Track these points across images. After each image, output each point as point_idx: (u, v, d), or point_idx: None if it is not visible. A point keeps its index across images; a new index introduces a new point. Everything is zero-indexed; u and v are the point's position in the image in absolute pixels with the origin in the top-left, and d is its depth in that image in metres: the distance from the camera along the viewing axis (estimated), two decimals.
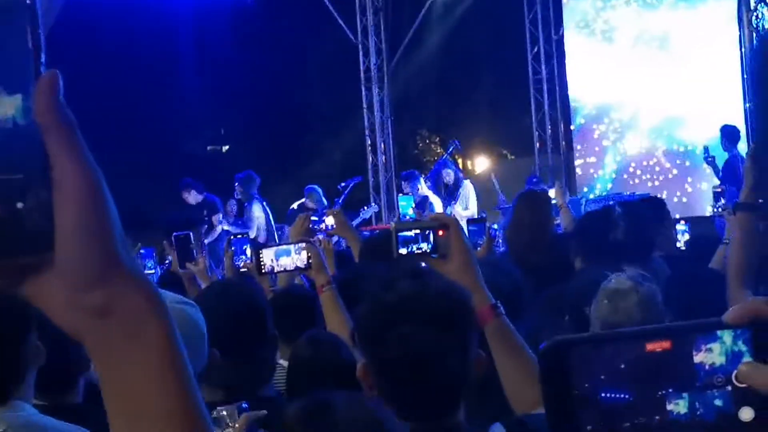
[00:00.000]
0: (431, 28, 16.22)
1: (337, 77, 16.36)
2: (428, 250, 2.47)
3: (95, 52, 13.24)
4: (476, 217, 10.94)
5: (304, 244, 4.07)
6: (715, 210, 7.13)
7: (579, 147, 14.90)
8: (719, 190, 7.44)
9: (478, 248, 5.54)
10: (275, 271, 4.25)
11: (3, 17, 0.72)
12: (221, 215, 11.76)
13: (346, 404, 1.80)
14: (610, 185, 14.47)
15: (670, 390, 0.92)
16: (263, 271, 4.28)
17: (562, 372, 0.93)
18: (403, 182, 11.63)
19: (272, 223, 11.90)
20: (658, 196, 11.34)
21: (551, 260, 4.96)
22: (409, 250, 2.51)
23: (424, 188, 11.47)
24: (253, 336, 2.86)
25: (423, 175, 11.74)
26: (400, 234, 2.51)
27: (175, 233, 5.33)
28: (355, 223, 10.24)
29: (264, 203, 11.89)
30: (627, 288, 3.40)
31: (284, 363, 3.85)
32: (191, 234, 5.32)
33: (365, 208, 12.64)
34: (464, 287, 2.21)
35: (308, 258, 3.93)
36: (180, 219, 7.34)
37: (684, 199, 13.84)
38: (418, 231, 2.49)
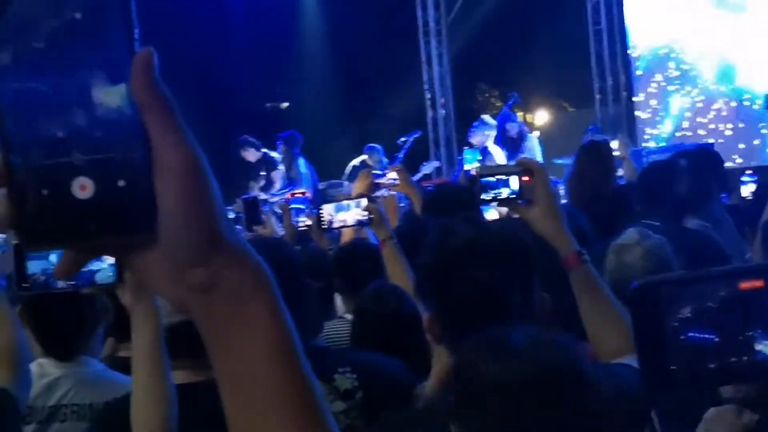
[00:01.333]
0: None
1: (394, 31, 16.25)
2: (511, 196, 2.44)
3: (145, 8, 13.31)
4: None
5: (364, 199, 4.10)
6: None
7: (642, 96, 14.70)
8: None
9: None
10: (334, 226, 4.29)
11: (95, 3, 0.73)
12: (282, 172, 11.78)
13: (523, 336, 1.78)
14: (674, 133, 14.28)
15: (759, 331, 0.92)
16: (323, 226, 4.32)
17: (651, 311, 0.93)
18: (471, 132, 11.39)
19: (318, 181, 11.92)
20: (718, 143, 11.20)
21: (614, 211, 4.93)
22: (493, 195, 2.48)
23: (490, 141, 11.29)
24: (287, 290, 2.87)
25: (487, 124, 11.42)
26: (483, 179, 2.48)
27: (242, 196, 5.39)
28: (415, 178, 10.20)
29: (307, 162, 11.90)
30: (631, 242, 3.46)
31: (348, 317, 3.90)
32: (257, 197, 5.39)
33: (425, 163, 12.60)
34: (540, 232, 2.22)
35: (369, 212, 3.95)
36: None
37: (756, 142, 13.59)
38: (502, 176, 2.45)
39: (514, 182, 2.43)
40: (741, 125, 13.69)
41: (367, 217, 3.96)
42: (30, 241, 0.73)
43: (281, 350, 0.80)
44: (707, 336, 0.95)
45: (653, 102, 14.61)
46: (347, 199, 4.27)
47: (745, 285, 0.94)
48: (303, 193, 9.44)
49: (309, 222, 5.22)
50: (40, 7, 0.72)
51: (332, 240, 5.07)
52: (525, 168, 2.43)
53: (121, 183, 0.72)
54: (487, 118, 11.58)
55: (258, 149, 11.84)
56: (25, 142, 0.72)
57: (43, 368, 3.20)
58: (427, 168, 12.41)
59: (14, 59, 0.72)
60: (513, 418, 1.66)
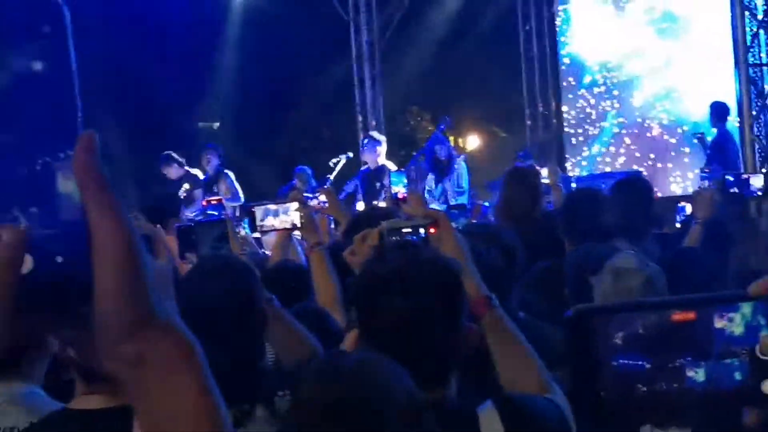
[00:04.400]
0: (423, 3, 16.14)
1: (328, 53, 16.28)
2: None
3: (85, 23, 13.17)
4: (462, 198, 10.96)
5: (294, 203, 4.08)
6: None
7: (570, 116, 14.91)
8: (706, 171, 7.47)
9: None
10: (265, 229, 4.26)
11: None
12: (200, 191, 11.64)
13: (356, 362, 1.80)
14: (599, 159, 14.51)
15: (689, 359, 0.92)
16: (258, 229, 4.28)
17: (584, 338, 0.94)
18: (362, 151, 11.47)
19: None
20: (644, 174, 11.39)
21: (541, 237, 4.95)
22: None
23: (382, 156, 11.36)
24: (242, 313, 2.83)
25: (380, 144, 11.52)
26: (390, 236, 2.47)
27: (177, 225, 5.31)
28: (341, 196, 10.22)
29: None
30: (633, 267, 3.39)
31: None
32: (193, 225, 5.31)
33: (348, 182, 12.62)
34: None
35: (300, 218, 3.94)
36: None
37: (681, 169, 13.82)
38: (409, 230, 2.47)
39: (422, 232, 2.46)
40: (674, 149, 13.93)
41: (298, 222, 3.95)
42: None
43: (209, 419, 0.82)
44: (639, 363, 0.95)
45: (585, 124, 14.84)
46: (275, 204, 4.24)
47: (677, 317, 0.95)
48: (219, 200, 9.41)
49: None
50: None
51: (258, 263, 4.99)
52: (431, 220, 2.45)
53: (59, 259, 0.76)
54: (375, 134, 11.74)
55: (181, 166, 11.74)
56: None
57: None
58: (349, 186, 12.43)
59: None
60: None
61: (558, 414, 2.09)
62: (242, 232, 6.26)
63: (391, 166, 11.24)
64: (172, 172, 11.64)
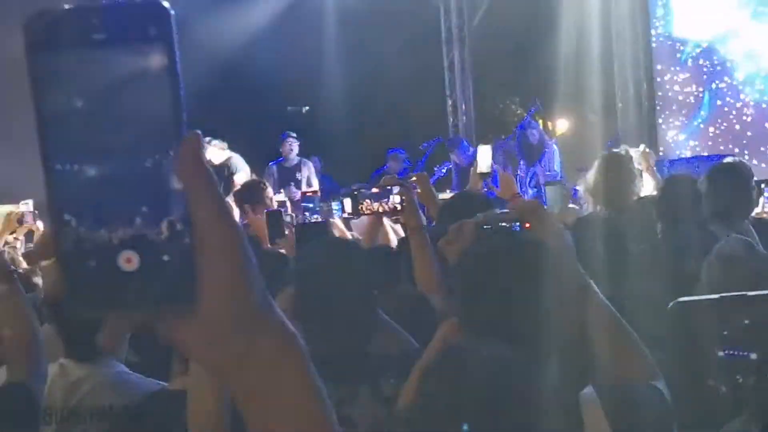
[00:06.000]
0: None
1: (418, 37, 16.24)
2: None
3: None
4: (557, 179, 10.86)
5: (397, 188, 4.08)
6: None
7: (663, 99, 14.65)
8: None
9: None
10: (366, 213, 4.28)
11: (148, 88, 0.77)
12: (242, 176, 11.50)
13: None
14: (693, 142, 14.23)
15: None
16: (362, 212, 4.31)
17: (687, 329, 0.95)
18: (449, 151, 11.33)
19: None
20: (744, 158, 11.13)
21: (636, 222, 4.91)
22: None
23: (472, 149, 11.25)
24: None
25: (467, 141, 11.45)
26: (483, 227, 2.49)
27: (266, 209, 5.38)
28: (432, 179, 10.20)
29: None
30: (743, 255, 3.35)
31: None
32: (282, 210, 5.37)
33: (439, 166, 12.61)
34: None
35: (401, 201, 3.94)
36: None
37: None
38: (504, 224, 2.48)
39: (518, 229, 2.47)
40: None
41: (399, 205, 3.96)
42: (75, 308, 0.77)
43: (312, 419, 0.85)
44: (744, 353, 0.97)
45: (680, 107, 14.58)
46: (377, 188, 4.26)
47: None
48: (315, 192, 9.41)
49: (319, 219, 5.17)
50: (98, 93, 0.76)
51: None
52: (525, 215, 2.44)
53: (165, 257, 0.76)
54: (461, 137, 11.59)
55: (223, 150, 11.55)
56: (75, 215, 0.76)
57: (64, 369, 3.21)
58: (439, 171, 12.42)
59: (66, 137, 0.76)
60: None
61: (662, 402, 2.07)
62: (335, 218, 6.32)
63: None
64: (215, 156, 11.43)
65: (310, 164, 11.85)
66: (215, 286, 0.78)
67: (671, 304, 0.93)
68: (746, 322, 0.93)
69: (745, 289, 3.13)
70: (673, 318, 0.93)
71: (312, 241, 3.31)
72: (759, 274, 3.23)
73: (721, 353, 0.93)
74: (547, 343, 2.14)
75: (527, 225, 2.42)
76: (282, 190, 10.80)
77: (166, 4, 0.78)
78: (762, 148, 13.59)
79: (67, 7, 0.77)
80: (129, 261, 0.76)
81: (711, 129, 14.26)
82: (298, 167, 11.80)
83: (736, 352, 0.92)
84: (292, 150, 11.85)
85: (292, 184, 11.30)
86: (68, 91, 0.76)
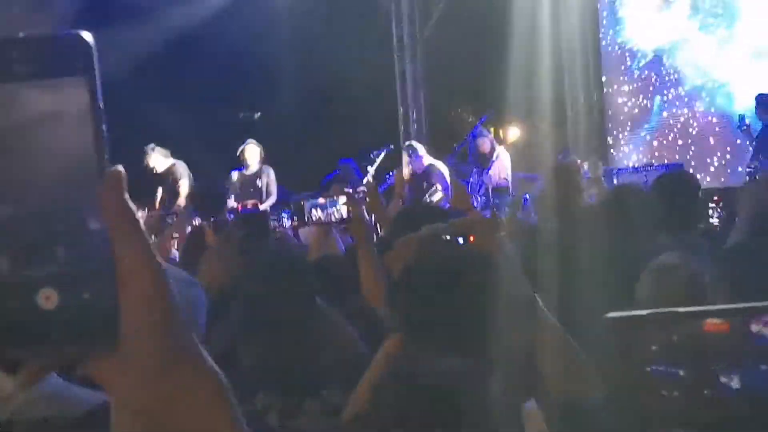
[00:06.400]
0: None
1: (369, 46, 16.27)
2: None
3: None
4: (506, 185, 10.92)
5: (343, 198, 4.06)
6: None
7: (613, 108, 14.81)
8: (752, 167, 7.39)
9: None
10: (313, 222, 4.25)
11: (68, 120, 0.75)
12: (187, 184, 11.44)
13: None
14: (641, 150, 14.38)
15: (723, 365, 0.93)
16: (306, 222, 4.28)
17: (621, 346, 0.95)
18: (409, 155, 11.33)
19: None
20: (691, 166, 11.27)
21: (583, 231, 4.94)
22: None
23: (427, 157, 11.26)
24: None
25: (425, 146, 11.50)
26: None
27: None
28: (382, 187, 10.22)
29: None
30: (676, 263, 3.37)
31: None
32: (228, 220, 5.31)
33: (390, 174, 12.62)
34: None
35: (348, 211, 3.93)
36: None
37: (723, 161, 13.68)
38: (448, 238, 2.47)
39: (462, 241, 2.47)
40: (716, 140, 13.78)
41: (346, 215, 3.94)
42: None
43: None
44: (672, 370, 0.97)
45: (627, 117, 14.74)
46: (323, 197, 4.24)
47: (710, 327, 0.97)
48: (255, 205, 9.33)
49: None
50: (15, 128, 0.74)
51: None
52: (470, 230, 2.44)
53: (86, 296, 0.74)
54: (414, 144, 11.65)
55: (166, 157, 11.59)
56: None
57: None
58: (391, 179, 12.44)
59: None
60: None
61: (605, 417, 2.08)
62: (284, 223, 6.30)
63: (441, 166, 11.08)
64: (158, 164, 11.41)
65: (271, 171, 11.82)
66: (137, 328, 0.76)
67: (604, 318, 0.94)
68: (674, 338, 0.93)
69: (677, 300, 3.15)
70: (606, 333, 0.94)
71: (254, 254, 3.29)
72: (692, 281, 3.27)
73: (648, 368, 0.93)
74: (492, 355, 2.14)
75: (471, 239, 2.42)
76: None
77: (89, 37, 0.76)
78: (708, 160, 13.77)
79: None
80: (48, 299, 0.74)
81: (657, 140, 14.42)
82: (258, 175, 11.77)
83: (664, 368, 0.92)
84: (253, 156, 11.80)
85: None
86: None
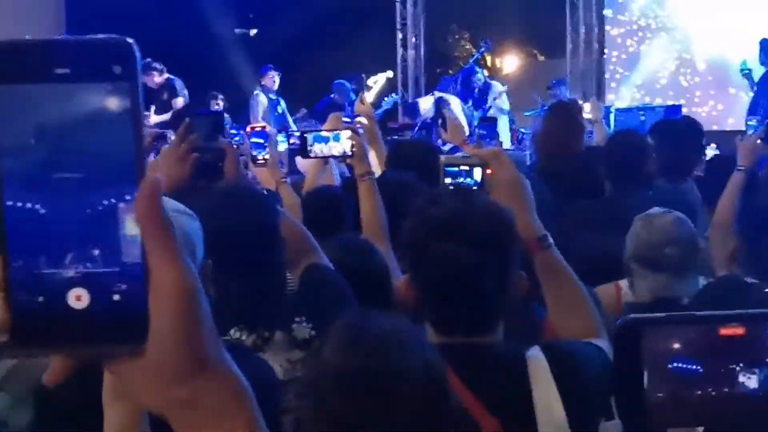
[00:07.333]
0: None
1: None
2: (473, 187, 2.51)
3: None
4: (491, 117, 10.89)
5: (348, 132, 4.05)
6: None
7: (607, 50, 14.72)
8: (752, 122, 7.39)
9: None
10: (315, 155, 4.23)
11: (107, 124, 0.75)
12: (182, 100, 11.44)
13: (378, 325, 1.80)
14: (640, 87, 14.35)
15: (742, 365, 0.94)
16: (311, 155, 4.26)
17: (635, 346, 0.96)
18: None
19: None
20: (689, 110, 11.22)
21: (580, 173, 4.93)
22: (455, 182, 2.58)
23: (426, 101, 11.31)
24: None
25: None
26: (447, 168, 2.59)
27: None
28: (378, 112, 10.17)
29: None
30: (661, 211, 3.46)
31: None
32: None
33: (386, 98, 12.58)
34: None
35: (351, 146, 3.92)
36: None
37: (719, 106, 13.66)
38: (466, 167, 2.53)
39: (478, 174, 2.53)
40: (715, 84, 13.75)
41: (350, 150, 3.93)
42: (21, 344, 0.76)
43: None
44: (691, 367, 0.97)
45: (626, 56, 14.66)
46: (327, 131, 4.21)
47: (725, 331, 0.98)
48: (263, 127, 9.28)
49: (267, 157, 5.02)
50: (56, 130, 0.75)
51: (294, 186, 4.96)
52: (486, 160, 2.47)
53: (116, 297, 0.76)
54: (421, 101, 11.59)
55: (161, 73, 11.51)
56: (25, 251, 0.75)
57: None
58: (388, 104, 12.39)
59: (20, 172, 0.75)
60: (346, 412, 1.69)
61: (603, 360, 2.10)
62: (281, 147, 6.24)
63: (451, 99, 11.13)
64: (151, 80, 11.30)
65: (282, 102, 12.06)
66: (164, 331, 0.77)
67: (621, 321, 0.95)
68: (694, 341, 0.94)
69: (668, 237, 3.27)
70: (620, 336, 0.94)
71: (213, 189, 3.19)
72: (678, 221, 3.40)
73: (669, 366, 0.93)
74: (497, 308, 2.15)
75: (489, 171, 2.42)
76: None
77: (133, 43, 0.76)
78: (711, 102, 13.74)
79: (29, 39, 0.76)
80: (79, 298, 0.75)
81: (658, 82, 14.36)
82: (278, 101, 12.06)
83: (684, 365, 0.93)
84: (275, 83, 12.09)
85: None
86: (25, 125, 0.75)
